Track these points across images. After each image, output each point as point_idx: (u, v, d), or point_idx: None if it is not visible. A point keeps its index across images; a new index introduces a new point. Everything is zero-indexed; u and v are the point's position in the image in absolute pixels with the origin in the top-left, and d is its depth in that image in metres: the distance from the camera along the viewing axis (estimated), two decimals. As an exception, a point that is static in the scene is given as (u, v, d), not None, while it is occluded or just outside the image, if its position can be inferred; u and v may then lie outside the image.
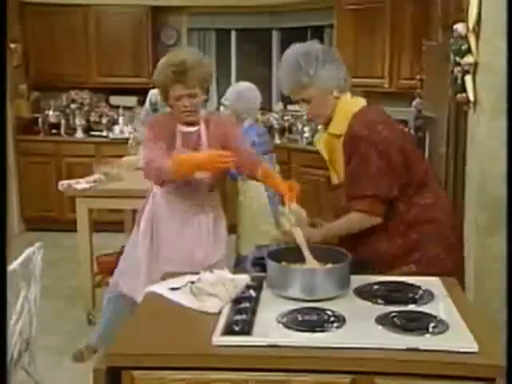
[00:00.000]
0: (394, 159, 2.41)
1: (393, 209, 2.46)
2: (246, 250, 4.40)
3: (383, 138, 2.42)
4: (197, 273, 2.15)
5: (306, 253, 2.23)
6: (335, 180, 2.63)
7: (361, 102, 2.57)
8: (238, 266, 2.33)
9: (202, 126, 3.11)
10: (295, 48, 2.54)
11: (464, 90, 3.33)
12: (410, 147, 2.55)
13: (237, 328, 1.78)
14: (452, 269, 2.43)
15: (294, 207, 2.50)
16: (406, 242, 2.46)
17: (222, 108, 5.62)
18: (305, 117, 2.87)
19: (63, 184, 4.34)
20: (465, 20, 3.30)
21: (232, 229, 4.92)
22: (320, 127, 2.67)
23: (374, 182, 2.41)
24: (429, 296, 2.03)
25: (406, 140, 2.61)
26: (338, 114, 2.51)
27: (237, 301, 1.97)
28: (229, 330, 1.77)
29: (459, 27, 3.33)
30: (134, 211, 5.35)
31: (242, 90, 4.57)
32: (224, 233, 3.34)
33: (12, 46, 6.73)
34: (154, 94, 5.36)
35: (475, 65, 3.24)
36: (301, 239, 2.27)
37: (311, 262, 2.21)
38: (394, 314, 1.87)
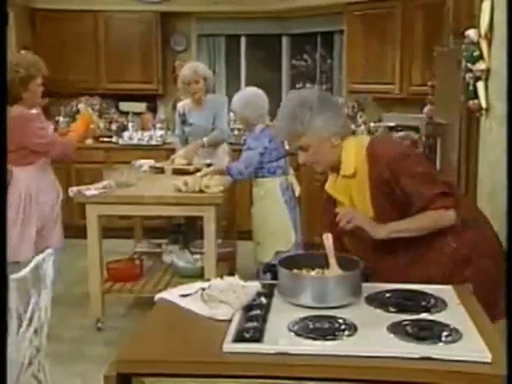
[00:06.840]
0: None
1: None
2: (267, 256, 4.37)
3: (416, 151, 2.50)
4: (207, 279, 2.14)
5: (332, 260, 2.18)
6: None
7: (365, 138, 2.69)
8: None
9: None
10: (292, 96, 2.60)
11: (476, 96, 3.31)
12: None
13: (247, 335, 1.77)
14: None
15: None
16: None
17: (231, 115, 5.64)
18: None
19: (73, 190, 4.34)
20: (476, 26, 3.29)
21: (246, 235, 4.90)
22: (330, 175, 2.61)
23: (437, 182, 2.44)
24: (441, 304, 2.01)
25: None
26: (347, 157, 2.49)
27: (248, 308, 1.96)
28: (239, 338, 1.76)
29: (471, 33, 3.32)
30: (143, 217, 5.41)
31: (250, 97, 4.58)
32: None
33: (22, 52, 6.75)
34: (182, 105, 5.40)
35: (487, 71, 3.22)
36: (330, 245, 2.22)
37: (334, 268, 2.17)
38: (406, 322, 1.85)
